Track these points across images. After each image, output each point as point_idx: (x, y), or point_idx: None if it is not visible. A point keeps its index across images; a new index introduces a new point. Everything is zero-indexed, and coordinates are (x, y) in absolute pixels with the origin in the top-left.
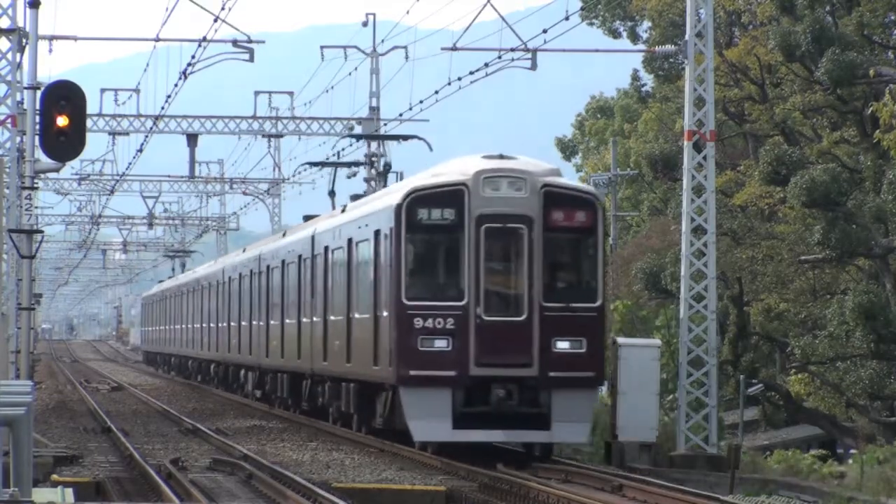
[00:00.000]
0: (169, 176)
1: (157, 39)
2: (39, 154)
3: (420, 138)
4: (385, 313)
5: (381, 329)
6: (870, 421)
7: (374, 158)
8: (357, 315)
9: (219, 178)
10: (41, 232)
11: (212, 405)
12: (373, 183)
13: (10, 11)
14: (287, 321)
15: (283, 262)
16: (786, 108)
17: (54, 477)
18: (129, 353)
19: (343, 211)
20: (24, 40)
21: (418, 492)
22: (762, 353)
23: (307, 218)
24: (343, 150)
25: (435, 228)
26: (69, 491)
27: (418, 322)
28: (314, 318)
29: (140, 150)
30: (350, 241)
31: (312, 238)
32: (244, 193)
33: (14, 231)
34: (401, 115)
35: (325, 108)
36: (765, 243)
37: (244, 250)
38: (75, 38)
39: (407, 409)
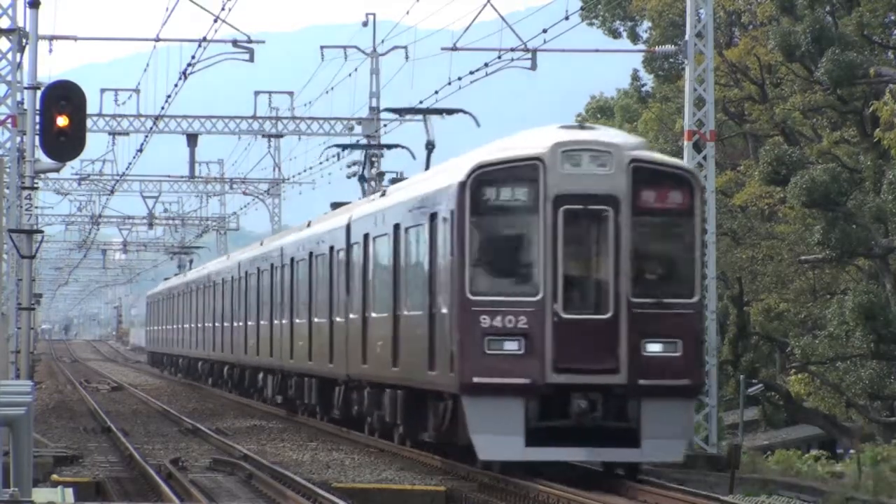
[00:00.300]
0: (169, 176)
1: (157, 39)
2: (39, 154)
3: (466, 112)
4: (444, 310)
5: (438, 328)
6: (869, 421)
7: (373, 159)
8: (407, 312)
9: (219, 178)
10: (41, 232)
11: (212, 405)
12: (373, 183)
13: (10, 11)
14: (316, 320)
15: (310, 254)
16: (786, 108)
17: (54, 477)
18: (130, 353)
19: (383, 195)
20: (24, 40)
21: (418, 492)
22: (762, 353)
23: (336, 205)
24: (344, 150)
25: (504, 210)
26: (69, 491)
27: (485, 320)
28: (350, 316)
29: (140, 150)
30: (397, 227)
31: (348, 226)
32: (244, 193)
33: (14, 231)
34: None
35: (325, 108)
36: (765, 243)
37: (262, 243)
38: (75, 38)
39: (471, 422)
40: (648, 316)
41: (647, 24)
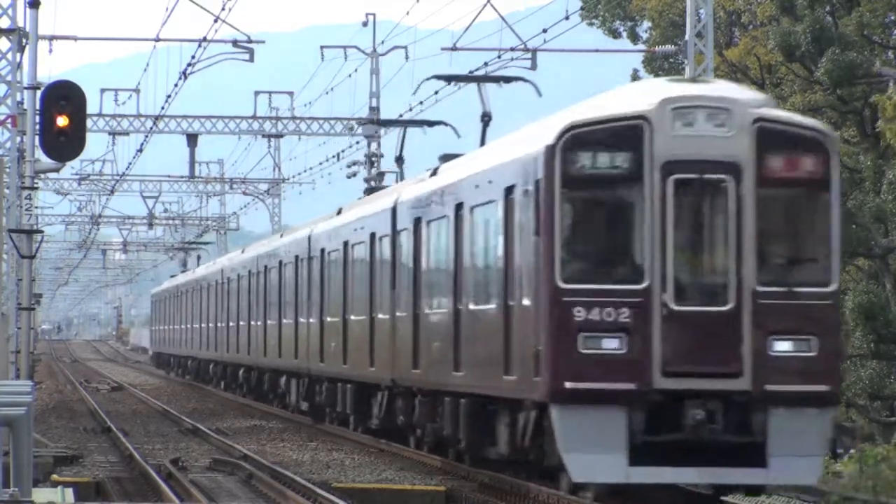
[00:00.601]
0: (169, 176)
1: (157, 39)
2: (39, 154)
3: (526, 80)
4: (526, 302)
5: (517, 324)
6: (869, 421)
7: (374, 158)
8: (473, 306)
9: (219, 178)
10: (41, 232)
11: (212, 405)
12: (372, 183)
13: (10, 11)
14: (352, 317)
15: (345, 243)
16: (786, 108)
17: (54, 477)
18: (130, 353)
19: (434, 174)
20: (24, 40)
21: (418, 492)
22: None
23: (371, 190)
24: (343, 151)
25: (603, 180)
26: (69, 491)
27: (579, 313)
28: (397, 313)
29: (140, 150)
30: (459, 207)
31: (394, 209)
32: (244, 193)
33: (14, 231)
34: (401, 115)
35: (326, 108)
36: None
37: (281, 235)
38: (75, 38)
39: (562, 437)
40: (777, 307)
41: (647, 24)
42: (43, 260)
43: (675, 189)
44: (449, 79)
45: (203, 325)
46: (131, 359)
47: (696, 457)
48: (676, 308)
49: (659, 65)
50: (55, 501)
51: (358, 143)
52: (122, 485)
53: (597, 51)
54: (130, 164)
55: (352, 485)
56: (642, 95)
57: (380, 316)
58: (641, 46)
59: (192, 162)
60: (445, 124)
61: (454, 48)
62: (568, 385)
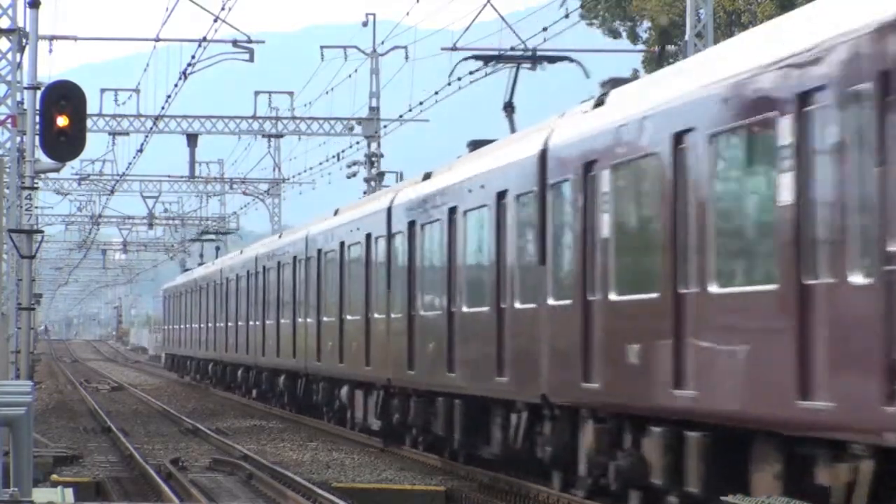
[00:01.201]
0: (169, 176)
1: (157, 39)
2: (39, 154)
3: None
4: (858, 279)
5: (832, 317)
6: None
7: (373, 158)
8: (718, 289)
9: (219, 178)
10: (41, 232)
11: (212, 405)
12: (372, 183)
13: (10, 11)
14: (465, 309)
15: (450, 211)
16: None
17: (54, 477)
18: (130, 353)
19: (600, 104)
20: (24, 40)
21: (418, 492)
22: None
23: (476, 144)
24: (343, 151)
25: None
26: (69, 491)
27: None
28: (551, 301)
29: (140, 150)
30: (679, 138)
31: (542, 157)
32: (244, 193)
33: (14, 231)
34: (401, 116)
35: (325, 108)
36: None
37: (336, 213)
38: (75, 38)
39: None
40: None
41: (647, 24)
42: (43, 260)
43: None
44: None
45: (230, 324)
46: (131, 359)
47: None
48: None
49: (659, 65)
50: (55, 501)
51: (358, 143)
52: (122, 485)
53: (597, 51)
54: (130, 164)
55: (352, 485)
56: None
57: (517, 305)
58: (641, 46)
59: (192, 162)
60: (571, 60)
61: (454, 48)
62: None
